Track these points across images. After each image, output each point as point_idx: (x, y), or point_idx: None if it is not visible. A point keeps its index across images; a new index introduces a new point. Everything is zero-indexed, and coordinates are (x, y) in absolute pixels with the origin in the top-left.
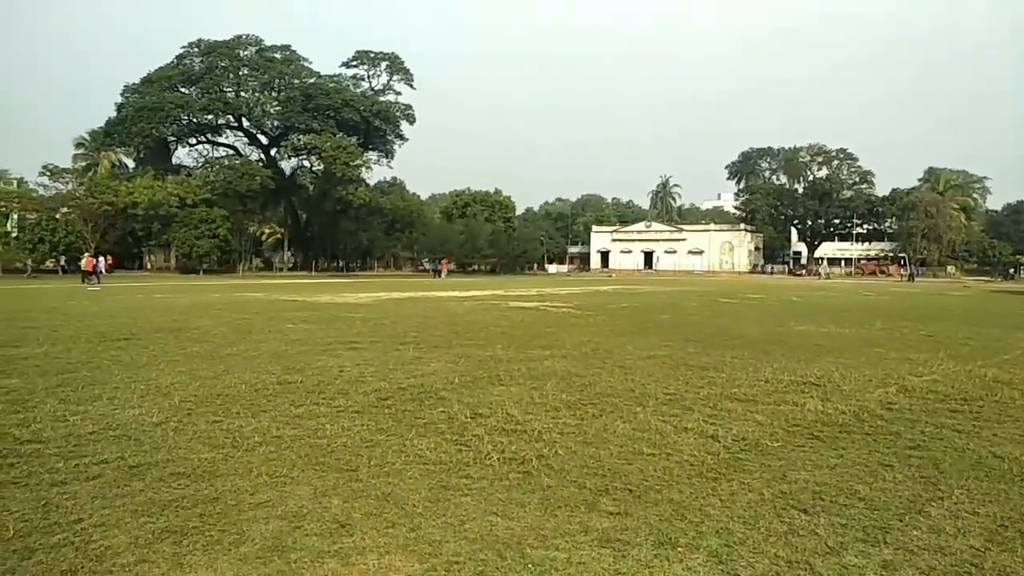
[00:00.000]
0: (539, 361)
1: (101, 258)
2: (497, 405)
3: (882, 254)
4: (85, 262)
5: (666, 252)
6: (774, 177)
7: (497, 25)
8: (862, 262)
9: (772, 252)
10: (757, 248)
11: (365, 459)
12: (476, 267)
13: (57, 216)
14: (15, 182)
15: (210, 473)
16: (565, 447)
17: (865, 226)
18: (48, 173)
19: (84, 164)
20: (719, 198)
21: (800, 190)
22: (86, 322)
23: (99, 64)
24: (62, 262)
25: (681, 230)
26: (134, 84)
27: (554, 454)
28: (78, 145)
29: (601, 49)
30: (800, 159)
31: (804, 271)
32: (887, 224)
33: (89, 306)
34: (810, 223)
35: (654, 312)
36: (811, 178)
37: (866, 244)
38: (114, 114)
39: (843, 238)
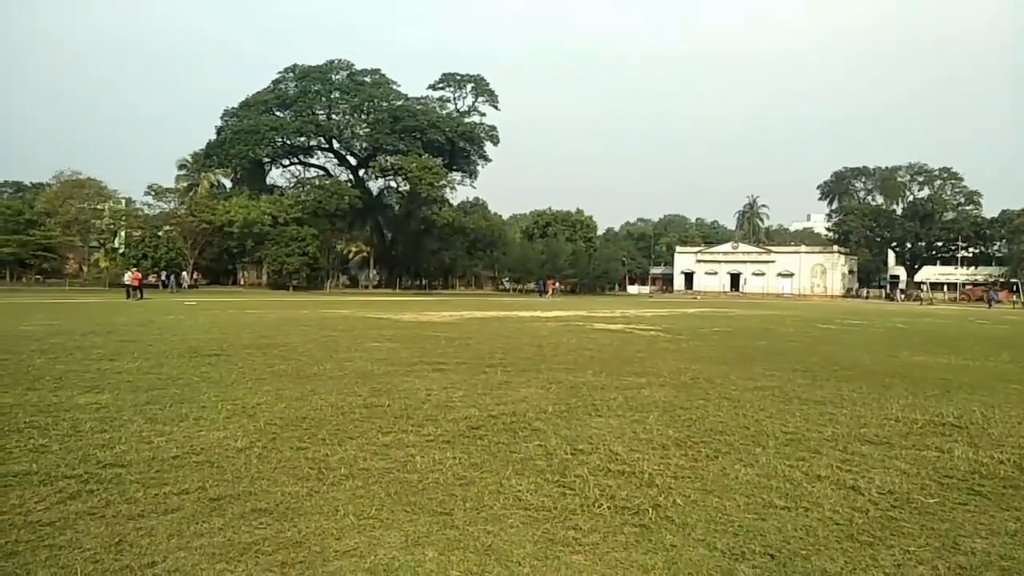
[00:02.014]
0: (636, 390)
1: (184, 273)
2: (598, 440)
3: (990, 279)
4: (131, 277)
5: (754, 274)
6: (869, 197)
7: (580, 48)
8: (967, 287)
9: (867, 275)
10: (851, 271)
11: (460, 500)
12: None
13: (160, 233)
14: (124, 201)
15: (294, 511)
16: (683, 495)
17: (971, 249)
18: (153, 193)
19: (186, 184)
20: (809, 219)
21: (898, 211)
22: (180, 336)
23: (204, 89)
24: (163, 277)
25: (770, 251)
26: (233, 108)
27: (672, 503)
28: (181, 166)
29: (683, 69)
30: (898, 179)
31: (903, 296)
32: (995, 247)
33: (184, 320)
34: (909, 246)
35: (750, 337)
36: (911, 198)
37: (971, 268)
38: (214, 137)
39: (945, 262)
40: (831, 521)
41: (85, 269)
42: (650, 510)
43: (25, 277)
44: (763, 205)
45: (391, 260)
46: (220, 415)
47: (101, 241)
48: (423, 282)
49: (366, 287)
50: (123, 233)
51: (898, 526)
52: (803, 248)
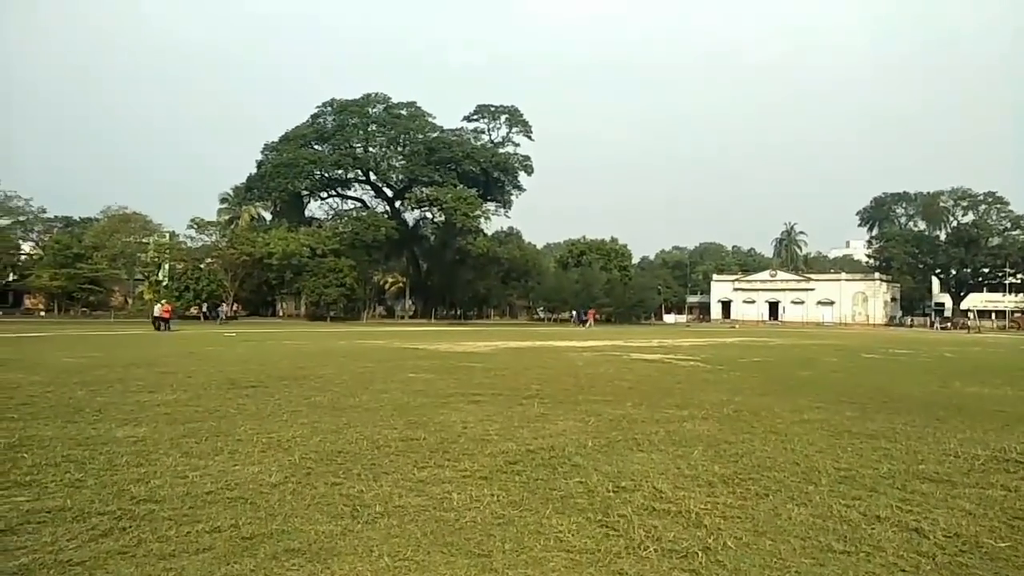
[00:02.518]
0: (678, 423)
1: (224, 305)
2: (641, 476)
3: None
4: (160, 310)
5: (793, 302)
6: (911, 223)
7: (610, 76)
8: (1017, 315)
9: (910, 303)
10: (894, 299)
11: (498, 541)
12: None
13: (202, 266)
14: (168, 235)
15: (327, 551)
16: (734, 537)
17: (1019, 276)
18: (195, 226)
19: (227, 217)
20: (848, 246)
21: (942, 237)
22: (219, 368)
23: (245, 125)
24: (204, 308)
25: (809, 279)
26: (273, 142)
27: (723, 546)
28: (222, 200)
29: (718, 92)
30: (941, 204)
31: (949, 324)
32: None
33: (223, 352)
34: (955, 272)
35: (792, 367)
36: (954, 224)
37: (1020, 295)
38: (255, 170)
39: (992, 288)
40: (895, 567)
41: (130, 301)
42: (700, 553)
43: (72, 310)
44: (801, 232)
45: (426, 290)
46: (255, 449)
47: (145, 274)
48: (458, 312)
49: (402, 317)
50: (167, 266)
51: (969, 573)
52: (843, 275)
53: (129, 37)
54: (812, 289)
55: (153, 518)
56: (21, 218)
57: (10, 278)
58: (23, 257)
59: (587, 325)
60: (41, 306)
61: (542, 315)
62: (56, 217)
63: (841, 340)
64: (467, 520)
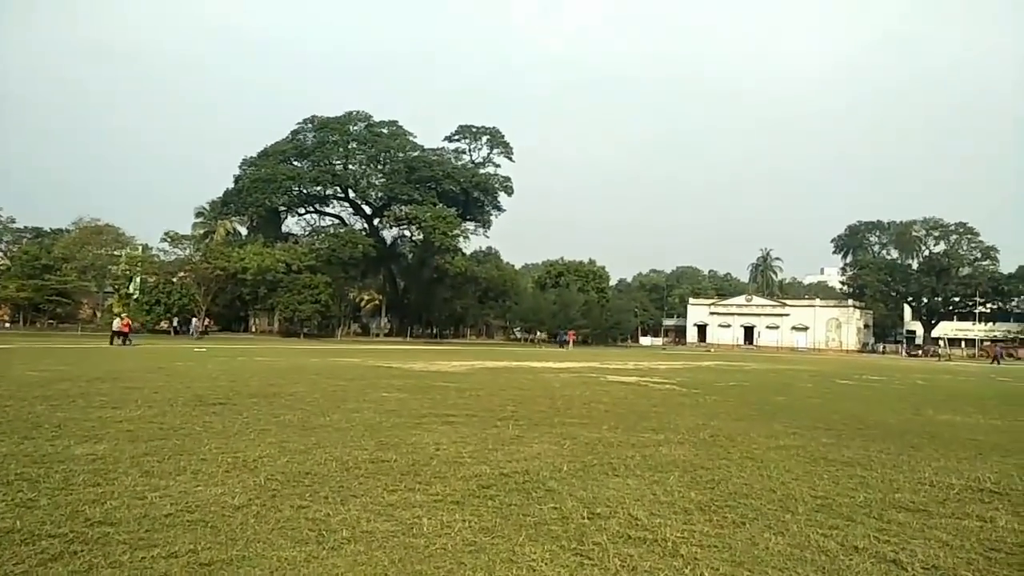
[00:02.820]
0: (654, 447)
1: (195, 320)
2: (616, 503)
3: (1009, 335)
4: (119, 324)
5: (768, 327)
6: (884, 252)
7: (590, 98)
8: (986, 344)
9: (883, 330)
10: (867, 326)
11: (469, 569)
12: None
13: (174, 280)
14: (140, 247)
15: None
16: (711, 567)
17: (989, 305)
18: (169, 239)
19: (202, 231)
20: (822, 272)
21: (914, 266)
22: (186, 384)
23: (224, 139)
24: (175, 323)
25: (784, 304)
26: (251, 157)
27: None
28: (198, 214)
29: (693, 119)
30: (914, 233)
31: (920, 351)
32: (1014, 303)
33: (193, 367)
34: (926, 300)
35: (768, 392)
36: (926, 253)
37: (990, 324)
38: (232, 185)
39: (963, 317)
40: None
41: (99, 314)
42: None
43: (39, 321)
44: (776, 258)
45: (403, 308)
46: (220, 469)
47: (116, 287)
48: (434, 331)
49: (377, 335)
50: (138, 279)
51: None
52: (818, 302)
53: (109, 45)
54: (787, 315)
55: (107, 541)
56: None
57: None
58: None
59: (567, 346)
60: (6, 317)
61: (519, 335)
62: (25, 228)
63: (815, 366)
64: (437, 547)
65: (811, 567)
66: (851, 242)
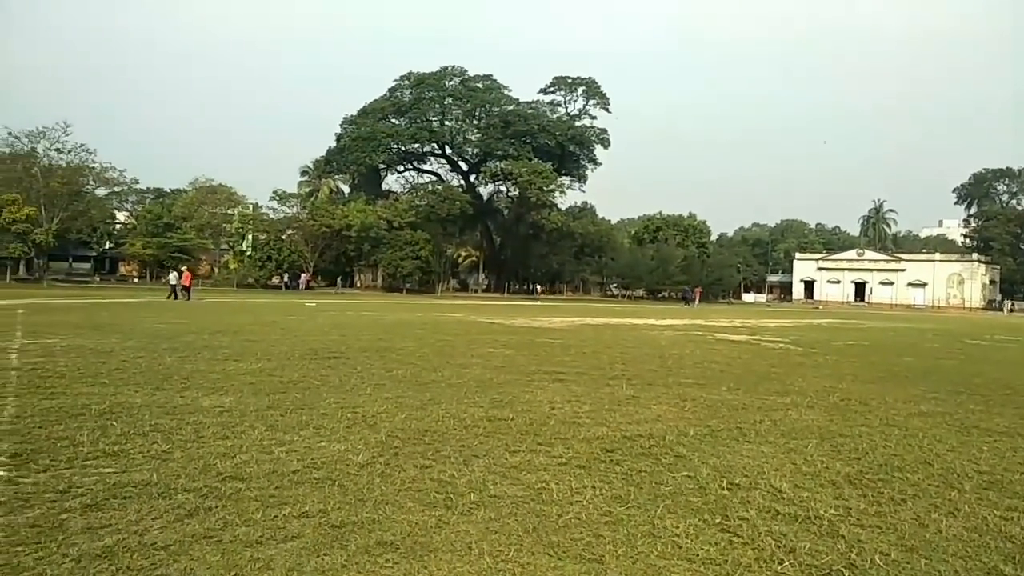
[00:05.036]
0: (782, 411)
1: (303, 275)
2: (754, 472)
3: None
4: (176, 278)
5: (881, 283)
6: (1013, 201)
7: (691, 51)
8: None
9: (1011, 287)
10: (992, 281)
11: (608, 543)
12: (667, 294)
13: (283, 237)
14: (251, 206)
15: (422, 546)
16: (880, 552)
17: None
18: (277, 198)
19: (307, 190)
20: (940, 225)
21: None
22: (300, 337)
23: (329, 98)
24: (285, 278)
25: (900, 259)
26: (352, 116)
27: (870, 564)
28: (303, 173)
29: (801, 60)
30: None
31: None
32: None
33: (305, 322)
34: None
35: (892, 353)
36: None
37: None
38: (334, 144)
39: None
40: None
41: (216, 270)
42: (845, 572)
43: (163, 277)
44: (890, 210)
45: (499, 265)
46: (340, 424)
47: (230, 244)
48: (531, 287)
49: (475, 291)
50: (250, 236)
51: None
52: (937, 256)
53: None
54: (903, 270)
55: (239, 498)
56: (116, 189)
57: (107, 246)
58: (118, 226)
59: (694, 304)
60: (135, 273)
61: (615, 291)
62: (148, 188)
63: (938, 324)
64: (571, 516)
65: (999, 556)
66: (976, 192)
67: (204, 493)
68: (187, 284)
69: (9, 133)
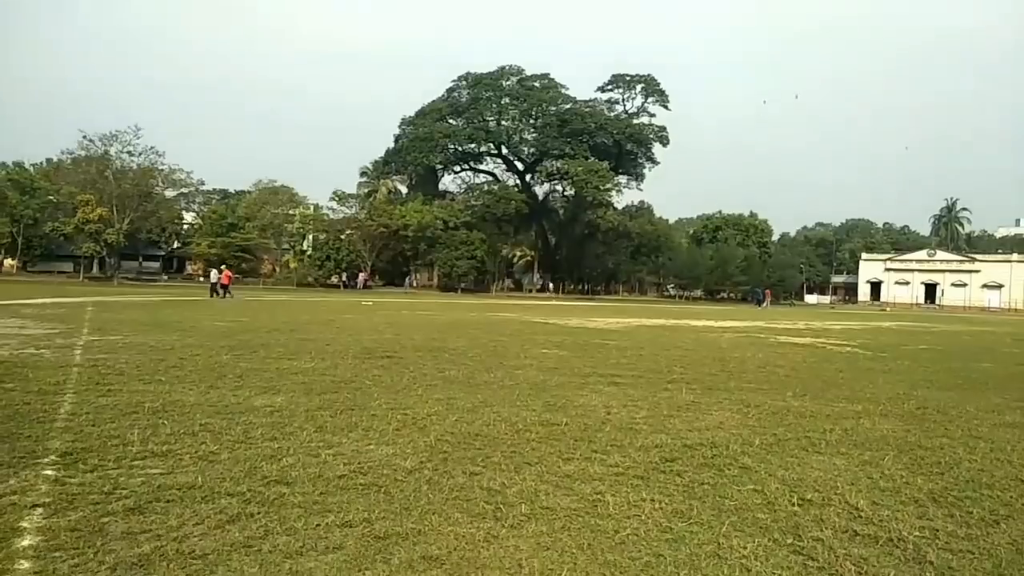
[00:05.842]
0: (853, 419)
1: (361, 275)
2: (827, 486)
3: None
4: (216, 276)
5: (953, 285)
6: None
7: (748, 45)
8: None
9: None
10: None
11: (670, 563)
12: (727, 294)
13: (342, 237)
14: (312, 207)
15: (469, 562)
16: None
17: None
18: (337, 198)
19: (366, 191)
20: (1018, 224)
21: None
22: (355, 336)
23: (385, 101)
24: (344, 278)
25: (973, 260)
26: (409, 117)
27: None
28: (362, 173)
29: (865, 55)
30: None
31: None
32: None
33: (360, 320)
34: None
35: (968, 358)
36: None
37: None
38: (392, 145)
39: None
40: None
41: (277, 269)
42: None
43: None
44: (963, 208)
45: (555, 264)
46: (390, 426)
47: (291, 244)
48: (586, 287)
49: (530, 291)
50: (311, 236)
51: None
52: (1015, 256)
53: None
54: (977, 271)
55: (283, 503)
56: (184, 190)
57: (175, 245)
58: (185, 226)
59: (764, 304)
60: (200, 272)
61: (672, 292)
62: (214, 189)
63: (1016, 328)
64: (628, 532)
65: None
66: None
67: (247, 498)
68: (226, 282)
69: (84, 136)
